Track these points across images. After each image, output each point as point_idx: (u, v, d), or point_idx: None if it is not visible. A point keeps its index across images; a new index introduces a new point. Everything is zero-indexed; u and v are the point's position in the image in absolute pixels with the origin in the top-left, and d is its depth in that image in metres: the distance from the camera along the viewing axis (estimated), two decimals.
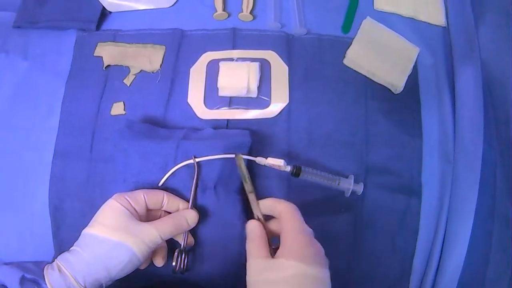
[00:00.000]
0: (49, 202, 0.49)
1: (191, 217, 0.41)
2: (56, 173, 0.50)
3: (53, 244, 0.48)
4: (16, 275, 0.35)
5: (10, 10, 0.59)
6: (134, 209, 0.39)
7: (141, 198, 0.40)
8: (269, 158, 0.44)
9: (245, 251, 0.39)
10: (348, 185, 0.46)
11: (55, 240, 0.48)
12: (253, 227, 0.39)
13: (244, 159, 0.43)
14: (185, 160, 0.43)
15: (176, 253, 0.40)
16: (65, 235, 0.48)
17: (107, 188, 0.48)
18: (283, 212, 0.38)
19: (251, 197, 0.41)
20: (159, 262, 0.41)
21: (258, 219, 0.40)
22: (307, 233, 0.37)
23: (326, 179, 0.46)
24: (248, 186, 0.41)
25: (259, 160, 0.44)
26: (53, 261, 0.37)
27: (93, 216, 0.39)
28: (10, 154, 0.52)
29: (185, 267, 0.41)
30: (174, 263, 0.40)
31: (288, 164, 0.45)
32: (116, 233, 0.36)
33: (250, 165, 0.46)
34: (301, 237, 0.35)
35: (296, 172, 0.45)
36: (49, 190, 0.49)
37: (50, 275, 0.34)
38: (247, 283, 0.35)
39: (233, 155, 0.43)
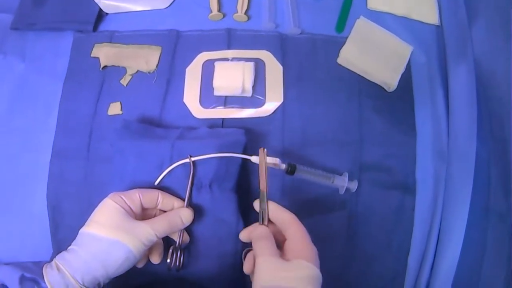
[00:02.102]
0: (47, 202, 0.49)
1: (186, 215, 0.41)
2: (54, 173, 0.50)
3: (51, 244, 0.49)
4: (16, 275, 0.35)
5: (7, 12, 0.59)
6: (130, 207, 0.39)
7: (137, 197, 0.40)
8: None
9: (240, 249, 0.39)
10: (343, 183, 0.46)
11: (54, 240, 0.49)
12: (262, 229, 0.40)
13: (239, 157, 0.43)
14: (181, 159, 0.43)
15: (170, 250, 0.41)
16: (63, 235, 0.48)
17: (104, 188, 0.47)
18: (291, 219, 0.40)
19: (264, 195, 0.41)
20: (155, 259, 0.42)
21: (263, 219, 0.41)
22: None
23: (320, 176, 0.46)
24: (263, 183, 0.42)
25: (255, 159, 0.44)
26: (51, 260, 0.37)
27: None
28: (8, 155, 0.52)
29: (180, 264, 0.42)
30: (168, 260, 0.40)
31: (282, 162, 0.45)
32: (112, 231, 0.37)
33: (245, 163, 0.46)
34: (310, 243, 0.38)
35: (291, 170, 0.45)
36: (47, 190, 0.49)
37: (49, 274, 0.35)
38: (256, 280, 0.35)
39: (228, 154, 0.43)
